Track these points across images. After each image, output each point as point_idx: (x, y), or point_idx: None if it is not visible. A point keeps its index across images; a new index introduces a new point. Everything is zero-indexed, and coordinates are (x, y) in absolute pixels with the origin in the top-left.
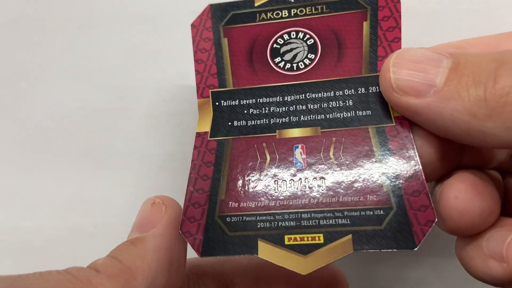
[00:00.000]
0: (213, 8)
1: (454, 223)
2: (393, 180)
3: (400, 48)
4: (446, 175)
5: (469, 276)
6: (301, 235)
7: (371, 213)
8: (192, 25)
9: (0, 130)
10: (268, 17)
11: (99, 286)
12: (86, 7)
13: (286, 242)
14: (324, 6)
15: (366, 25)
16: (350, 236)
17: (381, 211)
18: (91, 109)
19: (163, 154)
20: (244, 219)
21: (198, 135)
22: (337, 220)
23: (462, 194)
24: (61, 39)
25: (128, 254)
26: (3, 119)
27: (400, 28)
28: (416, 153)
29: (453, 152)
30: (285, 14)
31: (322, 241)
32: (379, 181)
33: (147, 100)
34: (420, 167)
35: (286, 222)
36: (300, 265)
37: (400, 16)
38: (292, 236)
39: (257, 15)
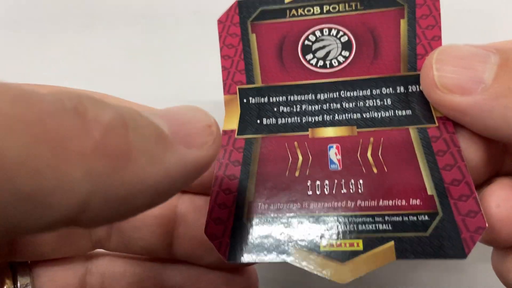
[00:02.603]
0: (240, 3)
1: (494, 233)
2: (437, 183)
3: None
4: (485, 182)
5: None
6: (338, 241)
7: (415, 218)
8: (219, 21)
9: None
10: (299, 14)
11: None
12: (86, 6)
13: (322, 248)
14: (358, 3)
15: (403, 23)
16: (392, 243)
17: (426, 216)
18: None
19: None
20: (274, 222)
21: (225, 133)
22: (377, 225)
23: (504, 202)
24: (61, 39)
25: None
26: None
27: (440, 27)
28: (462, 156)
29: (496, 156)
30: (316, 11)
31: (361, 247)
32: (422, 184)
33: (147, 100)
34: (467, 170)
35: (321, 226)
36: (338, 273)
37: (439, 14)
38: (328, 242)
39: (287, 11)
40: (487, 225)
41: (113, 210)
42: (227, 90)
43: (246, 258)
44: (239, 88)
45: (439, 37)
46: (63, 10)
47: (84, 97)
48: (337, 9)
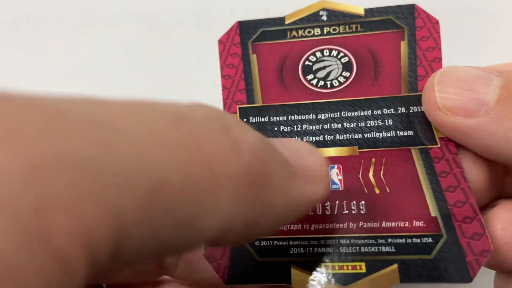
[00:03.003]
0: (241, 24)
1: (499, 256)
2: (441, 205)
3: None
4: (487, 205)
5: None
6: (340, 263)
7: (419, 240)
8: (220, 41)
9: None
10: (300, 35)
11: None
12: (86, 6)
13: (324, 271)
14: (358, 25)
15: (403, 45)
16: (395, 265)
17: (430, 238)
18: None
19: None
20: (275, 243)
21: None
22: (380, 247)
23: (510, 225)
24: (61, 39)
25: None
26: None
27: (440, 49)
28: (465, 177)
29: (498, 178)
30: (317, 32)
31: (364, 270)
32: (425, 206)
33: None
34: (470, 191)
35: (322, 248)
36: None
37: (439, 36)
38: (330, 264)
39: (288, 32)
40: (492, 248)
41: (245, 234)
42: (227, 109)
43: (245, 281)
44: (239, 107)
45: (440, 59)
46: (63, 10)
47: (226, 115)
48: (337, 30)
